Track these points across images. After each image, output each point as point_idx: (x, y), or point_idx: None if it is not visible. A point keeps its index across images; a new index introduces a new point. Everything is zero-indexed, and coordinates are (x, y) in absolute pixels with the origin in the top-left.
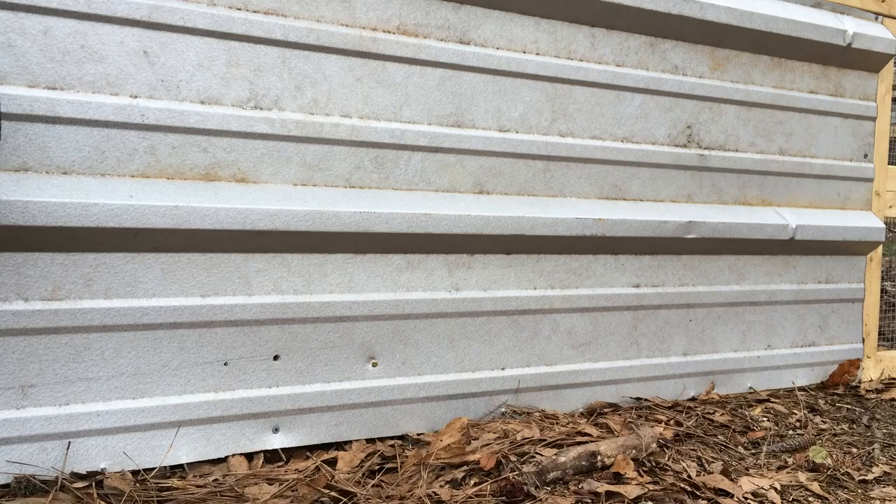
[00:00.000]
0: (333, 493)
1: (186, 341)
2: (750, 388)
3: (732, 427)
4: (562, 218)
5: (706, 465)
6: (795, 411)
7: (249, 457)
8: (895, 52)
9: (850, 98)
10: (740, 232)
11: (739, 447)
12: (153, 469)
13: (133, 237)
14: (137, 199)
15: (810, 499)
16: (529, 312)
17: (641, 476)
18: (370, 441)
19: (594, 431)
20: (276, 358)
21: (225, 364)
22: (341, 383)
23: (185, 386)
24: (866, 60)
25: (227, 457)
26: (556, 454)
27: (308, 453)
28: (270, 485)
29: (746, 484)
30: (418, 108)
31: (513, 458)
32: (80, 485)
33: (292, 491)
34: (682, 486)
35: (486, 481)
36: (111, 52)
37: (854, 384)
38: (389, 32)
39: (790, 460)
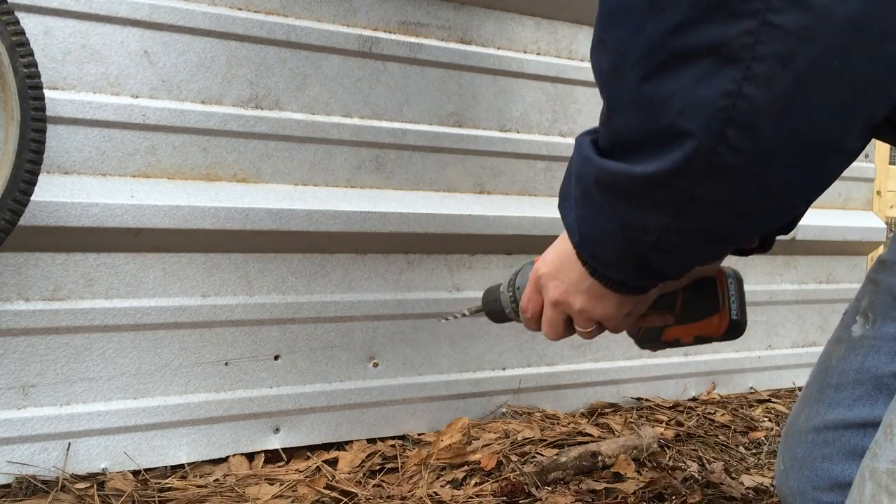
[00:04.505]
0: (334, 494)
1: (187, 341)
2: (751, 388)
3: (733, 427)
4: None
5: (707, 465)
6: None
7: (250, 457)
8: None
9: None
10: None
11: (740, 447)
12: (154, 469)
13: (134, 237)
14: (138, 198)
15: None
16: None
17: (642, 476)
18: (371, 441)
19: (595, 431)
20: (276, 358)
21: (226, 364)
22: (342, 383)
23: (186, 386)
24: None
25: (227, 457)
26: (556, 454)
27: (309, 453)
28: (271, 485)
29: (748, 483)
30: (419, 108)
31: (514, 458)
32: (80, 485)
33: (293, 491)
34: None
35: (487, 481)
36: (112, 52)
37: None
38: (390, 32)
39: None
